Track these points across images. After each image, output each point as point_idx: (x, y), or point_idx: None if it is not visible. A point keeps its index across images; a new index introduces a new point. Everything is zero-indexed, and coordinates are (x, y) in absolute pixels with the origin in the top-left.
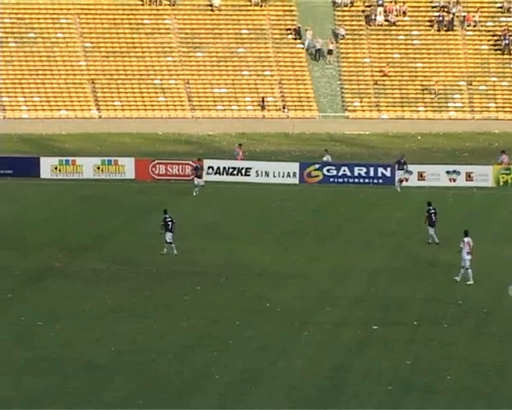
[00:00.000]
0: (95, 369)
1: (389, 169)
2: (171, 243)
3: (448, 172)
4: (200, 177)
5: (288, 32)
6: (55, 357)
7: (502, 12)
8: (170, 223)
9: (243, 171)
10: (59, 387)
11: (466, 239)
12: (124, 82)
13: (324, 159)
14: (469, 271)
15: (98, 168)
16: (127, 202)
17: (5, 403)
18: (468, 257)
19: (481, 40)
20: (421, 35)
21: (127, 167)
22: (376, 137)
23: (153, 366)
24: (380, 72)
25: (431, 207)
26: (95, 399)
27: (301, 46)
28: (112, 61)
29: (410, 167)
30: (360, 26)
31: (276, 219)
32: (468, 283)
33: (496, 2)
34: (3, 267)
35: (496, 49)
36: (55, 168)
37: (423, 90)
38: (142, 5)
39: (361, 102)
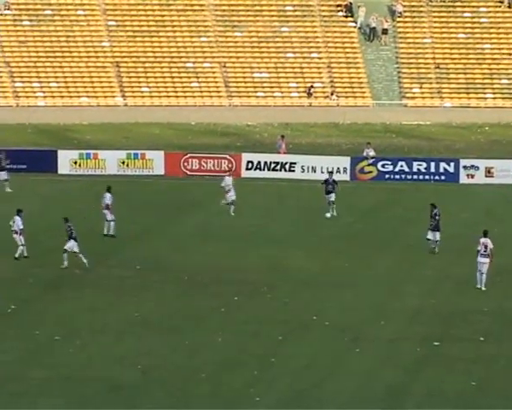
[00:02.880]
0: (119, 389)
1: (452, 164)
2: (76, 253)
3: None
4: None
5: (339, 8)
6: (74, 376)
7: None
8: (73, 231)
9: (287, 166)
10: (78, 409)
11: (482, 240)
12: (152, 65)
13: (364, 154)
14: (484, 275)
15: (123, 163)
16: (156, 201)
17: None
18: (484, 260)
19: None
20: (489, 12)
21: (156, 162)
22: (438, 128)
23: (184, 386)
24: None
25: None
26: None
27: (353, 25)
28: (139, 42)
29: (476, 162)
30: (420, 2)
31: (323, 220)
32: (478, 286)
33: None
34: (16, 275)
35: None
36: (75, 163)
37: (491, 74)
38: None
39: (421, 88)
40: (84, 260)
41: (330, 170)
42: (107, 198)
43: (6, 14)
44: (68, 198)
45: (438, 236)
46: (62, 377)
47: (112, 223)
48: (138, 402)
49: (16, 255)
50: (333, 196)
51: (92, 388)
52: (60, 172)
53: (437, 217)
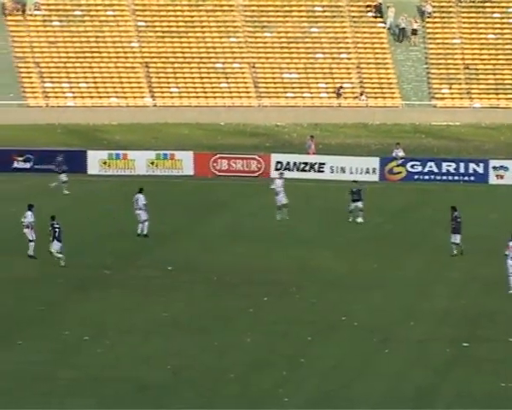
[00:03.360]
0: (147, 390)
1: (482, 165)
2: (59, 253)
3: None
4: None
5: (368, 9)
6: (103, 376)
7: None
8: (57, 230)
9: (316, 166)
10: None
11: (511, 243)
12: (181, 66)
13: (393, 154)
14: (511, 278)
15: (152, 163)
16: (185, 201)
17: None
18: None
19: None
20: None
21: (185, 162)
22: (467, 129)
23: (213, 386)
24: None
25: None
26: None
27: (382, 25)
28: (168, 43)
29: (505, 163)
30: (449, 2)
31: (352, 221)
32: (510, 292)
33: None
34: (46, 275)
35: None
36: (104, 163)
37: None
38: None
39: (450, 88)
40: (62, 263)
41: (354, 179)
42: (142, 199)
43: (36, 15)
44: (97, 198)
45: (458, 238)
46: (91, 378)
47: (146, 223)
48: (167, 402)
49: (31, 253)
50: (360, 204)
51: (121, 388)
52: (89, 172)
53: (458, 219)
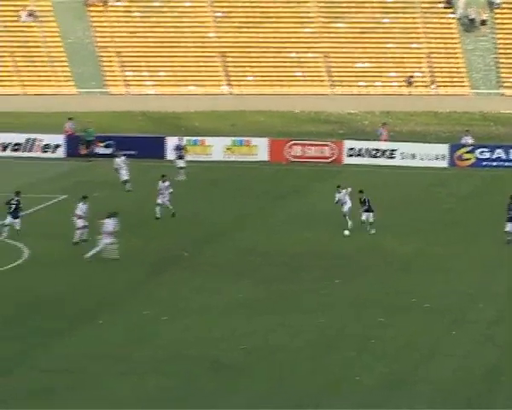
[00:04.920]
0: (222, 369)
1: None
2: (4, 226)
3: None
4: None
5: (439, 0)
6: (179, 356)
7: None
8: (14, 206)
9: (387, 153)
10: (183, 388)
11: None
12: (257, 55)
13: (462, 141)
14: None
15: (229, 149)
16: (260, 186)
17: (125, 405)
18: None
19: None
20: None
21: (260, 148)
22: None
23: (285, 366)
24: None
25: None
26: (221, 402)
27: (452, 16)
28: (244, 33)
29: None
30: None
31: (422, 206)
32: None
33: None
34: (126, 258)
35: None
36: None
37: None
38: None
39: None
40: (4, 236)
41: (360, 189)
42: (165, 187)
43: (117, 6)
44: (174, 183)
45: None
46: (168, 357)
47: (158, 207)
48: (241, 382)
49: (75, 240)
50: (371, 217)
51: (196, 367)
52: (168, 158)
53: None
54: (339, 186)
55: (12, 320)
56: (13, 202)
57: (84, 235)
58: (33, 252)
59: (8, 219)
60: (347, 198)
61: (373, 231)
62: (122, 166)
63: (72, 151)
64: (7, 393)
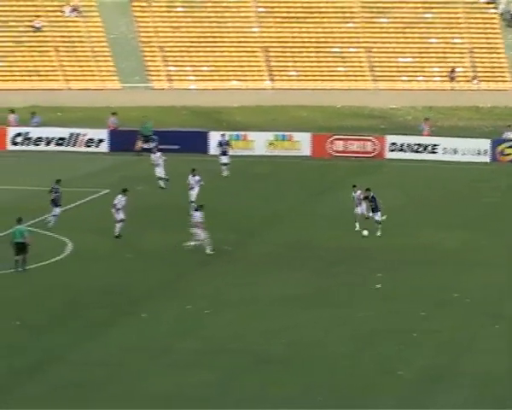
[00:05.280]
0: (265, 363)
1: None
2: (53, 216)
3: None
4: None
5: None
6: (223, 349)
7: None
8: (55, 194)
9: (429, 147)
10: (226, 381)
11: None
12: (300, 50)
13: (504, 136)
14: None
15: (271, 144)
16: (302, 180)
17: (169, 398)
18: None
19: None
20: None
21: (303, 143)
22: None
23: (327, 360)
24: None
25: None
26: (263, 395)
27: (494, 11)
28: (287, 27)
29: None
30: None
31: (464, 200)
32: None
33: None
34: (169, 251)
35: None
36: None
37: None
38: None
39: None
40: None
41: (367, 187)
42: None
43: (160, 1)
44: (217, 177)
45: None
46: (211, 350)
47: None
48: (284, 376)
49: (116, 234)
50: (377, 216)
51: (240, 360)
52: (211, 152)
53: None
54: (355, 186)
55: (55, 314)
56: (54, 190)
57: (120, 229)
58: (77, 246)
59: (57, 210)
60: (362, 200)
61: (379, 234)
62: (158, 163)
63: (115, 146)
64: (51, 384)
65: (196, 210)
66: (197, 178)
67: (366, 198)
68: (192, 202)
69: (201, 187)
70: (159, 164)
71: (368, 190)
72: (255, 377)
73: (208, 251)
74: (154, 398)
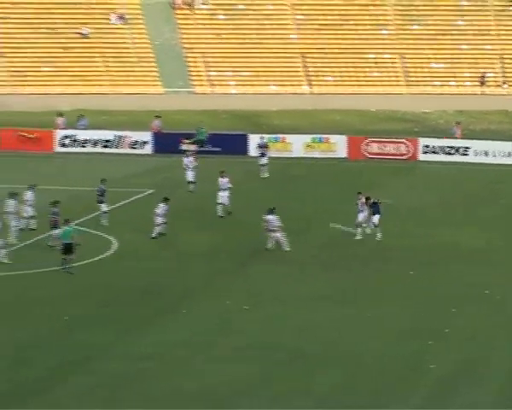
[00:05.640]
0: (302, 358)
1: None
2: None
3: None
4: None
5: (511, 2)
6: (261, 344)
7: None
8: (100, 192)
9: (461, 150)
10: (264, 376)
11: None
12: (336, 56)
13: None
14: None
15: (308, 146)
16: (339, 181)
17: (211, 390)
18: None
19: None
20: None
21: (339, 145)
22: None
23: (362, 356)
24: None
25: None
26: (301, 389)
27: None
28: (324, 34)
29: None
30: None
31: (493, 202)
32: None
33: None
34: (209, 250)
35: None
36: None
37: None
38: None
39: None
40: None
41: (367, 196)
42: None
43: (203, 9)
44: (257, 178)
45: None
46: (250, 345)
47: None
48: (319, 370)
49: (153, 235)
50: (376, 219)
51: (278, 355)
52: (250, 154)
53: None
54: (360, 193)
55: (99, 309)
56: (99, 190)
57: (163, 230)
58: (122, 244)
59: (105, 207)
60: (365, 207)
61: (379, 237)
62: (189, 167)
63: (159, 148)
64: (97, 378)
65: (270, 213)
66: (226, 179)
67: (367, 200)
68: (219, 203)
69: (231, 190)
70: (190, 168)
71: (368, 198)
72: (293, 372)
73: (286, 248)
74: (198, 390)
